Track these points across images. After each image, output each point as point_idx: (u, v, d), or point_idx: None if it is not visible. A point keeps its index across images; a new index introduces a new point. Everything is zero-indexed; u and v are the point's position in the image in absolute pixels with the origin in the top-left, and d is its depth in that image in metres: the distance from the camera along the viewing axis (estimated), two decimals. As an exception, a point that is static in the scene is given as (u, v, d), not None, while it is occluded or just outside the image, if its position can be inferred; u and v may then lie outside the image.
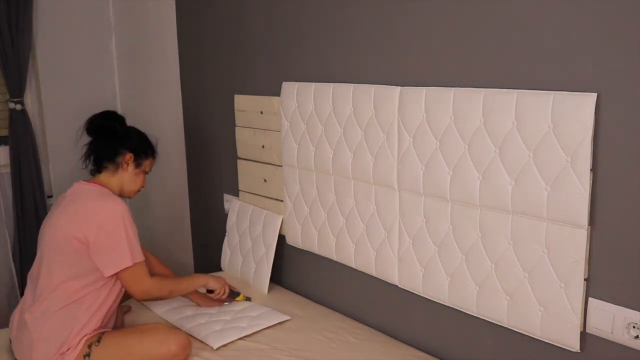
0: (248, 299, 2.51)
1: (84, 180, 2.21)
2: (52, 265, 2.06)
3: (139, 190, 2.32)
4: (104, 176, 2.21)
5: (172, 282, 2.27)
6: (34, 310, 2.05)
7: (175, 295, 2.29)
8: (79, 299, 2.05)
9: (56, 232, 2.08)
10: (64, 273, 2.05)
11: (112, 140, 2.22)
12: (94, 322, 2.07)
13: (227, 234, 2.89)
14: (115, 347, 2.04)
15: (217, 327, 2.26)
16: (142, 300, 2.21)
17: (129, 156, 2.22)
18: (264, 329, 2.26)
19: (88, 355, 2.01)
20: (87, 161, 2.25)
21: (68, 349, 2.01)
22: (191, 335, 2.20)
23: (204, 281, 2.39)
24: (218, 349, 2.14)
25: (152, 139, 2.34)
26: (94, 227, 2.03)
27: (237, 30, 2.73)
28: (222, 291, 2.41)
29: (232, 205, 2.89)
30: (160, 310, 2.43)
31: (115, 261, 2.05)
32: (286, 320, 2.33)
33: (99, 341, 2.04)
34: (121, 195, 2.25)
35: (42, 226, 2.20)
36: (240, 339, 2.20)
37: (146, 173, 2.33)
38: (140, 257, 2.09)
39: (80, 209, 2.08)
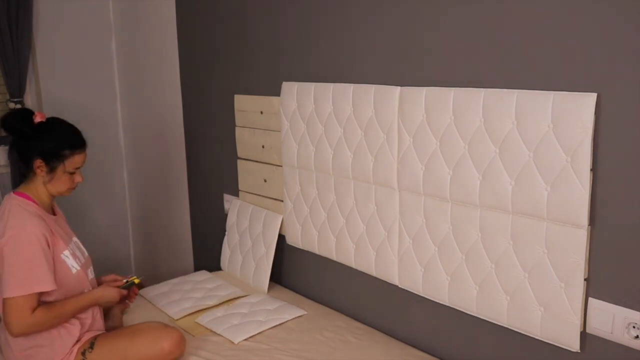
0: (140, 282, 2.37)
1: (14, 192, 2.09)
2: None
3: (72, 188, 2.14)
4: (29, 184, 2.09)
5: (55, 311, 1.99)
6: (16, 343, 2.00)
7: (62, 322, 2.02)
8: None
9: None
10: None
11: (21, 145, 2.07)
12: (73, 331, 2.03)
13: (226, 233, 2.89)
14: (108, 352, 2.02)
15: (235, 321, 2.30)
16: (15, 335, 1.97)
17: (38, 162, 2.04)
18: (282, 322, 2.30)
19: None
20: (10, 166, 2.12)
21: None
22: (210, 330, 2.24)
23: (90, 300, 2.09)
24: (238, 343, 2.18)
25: (75, 130, 2.13)
26: (6, 249, 1.93)
27: (237, 30, 2.73)
28: (118, 296, 2.17)
29: (232, 204, 2.89)
30: (160, 303, 2.51)
31: (18, 285, 1.91)
32: (300, 316, 2.37)
33: (92, 347, 2.02)
34: (55, 196, 2.12)
35: None
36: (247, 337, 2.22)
37: (74, 172, 2.11)
38: (41, 287, 1.93)
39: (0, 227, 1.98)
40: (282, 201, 2.60)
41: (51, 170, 2.07)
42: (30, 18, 3.22)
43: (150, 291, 2.62)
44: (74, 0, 3.50)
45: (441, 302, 1.99)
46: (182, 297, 2.54)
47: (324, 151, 2.29)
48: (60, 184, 2.09)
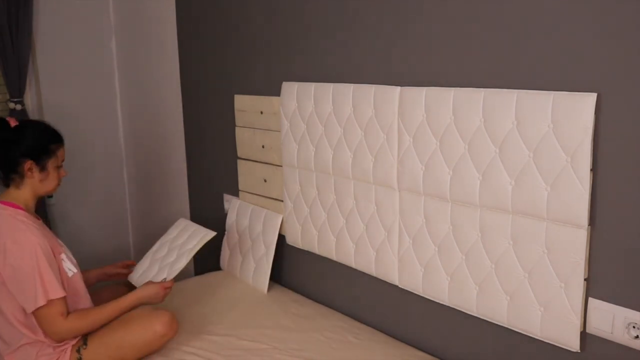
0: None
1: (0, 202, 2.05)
2: None
3: (59, 184, 2.16)
4: (13, 190, 2.07)
5: (91, 317, 2.05)
6: (3, 347, 2.01)
7: (99, 325, 2.06)
8: (32, 323, 1.99)
9: None
10: (6, 304, 1.98)
11: (2, 153, 2.04)
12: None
13: (226, 233, 2.89)
14: (103, 346, 2.02)
15: (156, 269, 2.39)
16: (59, 341, 2.00)
17: (28, 164, 2.04)
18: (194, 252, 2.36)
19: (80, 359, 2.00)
20: None
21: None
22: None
23: (132, 302, 2.12)
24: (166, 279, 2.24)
25: (50, 125, 2.14)
26: (9, 264, 1.93)
27: (237, 30, 2.73)
28: (162, 297, 2.19)
29: (231, 204, 2.89)
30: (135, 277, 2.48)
31: (37, 297, 1.92)
32: (214, 237, 2.43)
33: (85, 343, 2.02)
34: (41, 195, 2.13)
35: None
36: (239, 338, 2.21)
37: (60, 166, 2.14)
38: (55, 294, 1.94)
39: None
40: (282, 201, 2.60)
41: (42, 168, 2.07)
42: (30, 18, 3.22)
43: (137, 272, 2.47)
44: (74, 0, 3.50)
45: (441, 302, 1.99)
46: (159, 265, 2.42)
47: (324, 151, 2.29)
48: (51, 181, 2.10)
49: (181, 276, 3.21)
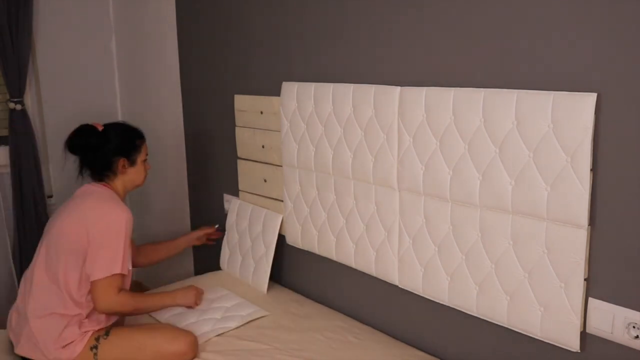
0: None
1: (93, 183, 2.26)
2: (54, 264, 2.09)
3: (145, 177, 2.37)
4: (108, 180, 2.27)
5: (138, 300, 2.22)
6: (35, 308, 2.06)
7: (139, 314, 2.27)
8: (79, 296, 2.08)
9: (63, 230, 2.11)
10: (66, 272, 2.07)
11: (96, 155, 2.24)
12: (94, 318, 2.11)
13: (226, 232, 2.89)
14: (125, 341, 2.09)
15: (193, 318, 2.31)
16: (102, 312, 2.12)
17: (122, 162, 2.26)
18: (239, 325, 2.28)
19: (95, 347, 2.06)
20: (82, 175, 2.28)
21: (72, 342, 2.04)
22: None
23: (171, 301, 2.36)
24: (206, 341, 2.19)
25: (129, 124, 2.35)
26: (97, 229, 2.07)
27: (237, 30, 2.73)
28: (194, 304, 2.40)
29: (231, 204, 2.89)
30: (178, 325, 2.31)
31: (105, 267, 2.06)
32: (266, 316, 2.35)
33: (107, 335, 2.09)
34: (130, 190, 2.33)
35: (48, 224, 2.23)
36: (236, 337, 2.22)
37: (145, 160, 2.36)
38: (124, 269, 2.11)
39: (89, 209, 2.13)
40: (282, 201, 2.60)
41: (132, 163, 2.29)
42: (30, 18, 3.22)
43: (164, 312, 2.38)
44: (74, 0, 3.50)
45: (441, 302, 1.98)
46: (199, 318, 2.33)
47: (324, 151, 2.29)
48: (140, 174, 2.33)
49: (181, 276, 3.22)
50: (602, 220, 1.57)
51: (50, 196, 3.48)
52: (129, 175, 2.29)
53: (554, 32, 1.59)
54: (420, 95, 1.91)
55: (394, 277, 2.13)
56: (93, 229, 2.07)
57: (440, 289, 1.97)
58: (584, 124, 1.52)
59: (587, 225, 1.57)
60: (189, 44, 3.09)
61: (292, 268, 2.68)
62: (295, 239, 2.54)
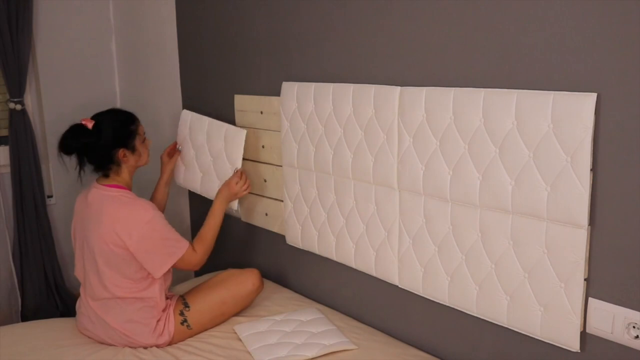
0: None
1: (101, 184, 2.26)
2: (103, 272, 2.15)
3: (148, 155, 2.39)
4: (114, 175, 2.28)
5: (205, 239, 2.34)
6: (116, 320, 2.16)
7: (213, 239, 2.38)
8: (139, 294, 2.16)
9: (99, 240, 2.14)
10: (116, 277, 2.15)
11: (94, 153, 2.24)
12: (157, 291, 2.20)
13: (181, 148, 2.83)
14: (205, 304, 2.24)
15: (272, 340, 2.16)
16: (199, 268, 2.31)
17: (122, 152, 2.26)
18: (322, 355, 2.07)
19: (185, 321, 2.19)
20: (83, 170, 2.28)
21: (164, 327, 2.17)
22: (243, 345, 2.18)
23: (224, 205, 2.45)
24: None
25: (118, 110, 2.36)
26: (134, 240, 2.12)
27: (237, 30, 2.73)
28: (242, 191, 2.48)
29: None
30: (252, 346, 2.15)
31: (164, 260, 2.16)
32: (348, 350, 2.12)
33: (187, 306, 2.21)
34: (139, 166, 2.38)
35: (73, 229, 2.29)
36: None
37: (144, 139, 2.37)
38: (185, 244, 2.21)
39: (112, 218, 2.14)
40: (282, 201, 2.60)
41: (133, 150, 2.30)
42: (30, 18, 3.22)
43: (248, 328, 2.25)
44: (74, 0, 3.50)
45: (441, 302, 1.99)
46: (279, 340, 2.15)
47: (324, 151, 2.29)
48: (143, 156, 2.35)
49: (181, 279, 3.21)
50: (602, 220, 1.57)
51: (50, 196, 3.48)
52: (132, 161, 2.31)
53: (554, 32, 1.59)
54: (420, 95, 1.91)
55: (394, 277, 2.13)
56: (130, 241, 2.11)
57: (440, 289, 1.97)
58: (584, 124, 1.52)
59: (587, 225, 1.57)
60: (189, 44, 3.09)
61: (292, 268, 2.68)
62: (295, 239, 2.54)
